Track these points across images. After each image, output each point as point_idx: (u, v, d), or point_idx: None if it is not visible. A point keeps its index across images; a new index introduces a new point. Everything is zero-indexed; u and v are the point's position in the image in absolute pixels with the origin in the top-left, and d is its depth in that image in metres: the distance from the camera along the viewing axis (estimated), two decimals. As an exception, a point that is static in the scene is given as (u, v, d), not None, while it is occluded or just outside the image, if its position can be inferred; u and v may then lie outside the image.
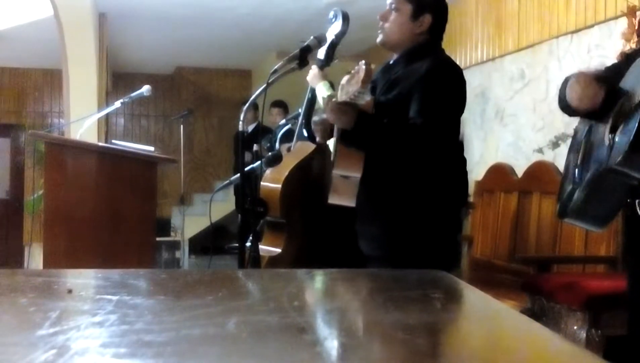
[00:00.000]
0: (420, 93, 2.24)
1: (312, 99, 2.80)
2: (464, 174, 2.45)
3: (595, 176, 2.00)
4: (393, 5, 2.40)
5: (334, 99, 2.32)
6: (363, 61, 2.18)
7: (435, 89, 2.25)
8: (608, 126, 1.97)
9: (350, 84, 2.21)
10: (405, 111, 2.25)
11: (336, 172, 2.36)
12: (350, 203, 2.40)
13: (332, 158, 2.43)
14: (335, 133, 2.39)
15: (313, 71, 2.65)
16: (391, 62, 2.46)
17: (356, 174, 2.33)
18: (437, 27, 2.42)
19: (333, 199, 2.41)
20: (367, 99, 2.19)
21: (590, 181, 2.02)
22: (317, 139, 2.54)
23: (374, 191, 2.35)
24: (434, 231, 2.33)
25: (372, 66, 2.18)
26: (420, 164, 2.28)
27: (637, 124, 1.80)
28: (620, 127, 1.90)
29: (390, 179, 2.32)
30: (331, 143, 2.48)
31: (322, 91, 2.62)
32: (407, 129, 2.22)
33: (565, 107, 2.14)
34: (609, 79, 2.03)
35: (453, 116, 2.34)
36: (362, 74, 2.11)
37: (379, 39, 2.45)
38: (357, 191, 2.36)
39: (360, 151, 2.32)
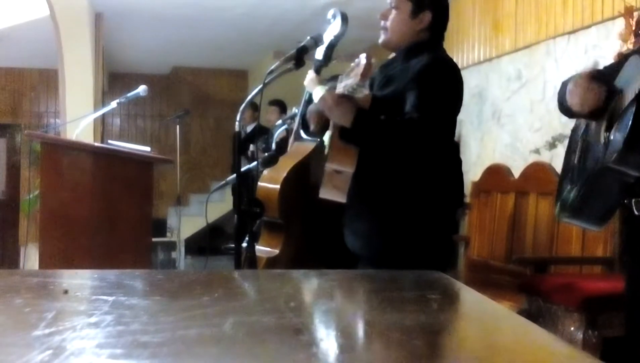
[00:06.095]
0: (416, 89, 2.23)
1: (310, 100, 2.78)
2: (460, 175, 2.44)
3: (591, 174, 2.00)
4: (393, 4, 2.41)
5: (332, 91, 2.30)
6: (364, 55, 2.16)
7: (431, 85, 2.25)
8: (604, 124, 1.97)
9: (349, 77, 2.19)
10: (400, 107, 2.24)
11: (329, 166, 2.34)
12: (342, 198, 2.38)
13: (326, 151, 2.41)
14: (331, 127, 2.37)
15: (310, 75, 2.63)
16: (389, 58, 2.46)
17: (349, 169, 2.31)
18: (438, 24, 2.42)
19: (324, 194, 2.39)
20: (365, 92, 2.17)
21: (587, 179, 2.02)
22: (311, 128, 2.52)
23: (366, 188, 2.34)
24: (427, 232, 2.32)
25: (373, 60, 2.16)
26: (415, 163, 2.27)
27: (631, 121, 1.80)
28: (615, 125, 1.90)
29: (384, 176, 2.31)
30: (327, 137, 2.46)
31: (319, 94, 2.59)
32: (404, 124, 2.21)
33: (566, 110, 2.12)
34: (606, 76, 2.02)
35: (448, 113, 2.33)
36: (362, 68, 2.09)
37: (380, 40, 2.44)
38: (349, 186, 2.35)
39: (357, 147, 2.31)
